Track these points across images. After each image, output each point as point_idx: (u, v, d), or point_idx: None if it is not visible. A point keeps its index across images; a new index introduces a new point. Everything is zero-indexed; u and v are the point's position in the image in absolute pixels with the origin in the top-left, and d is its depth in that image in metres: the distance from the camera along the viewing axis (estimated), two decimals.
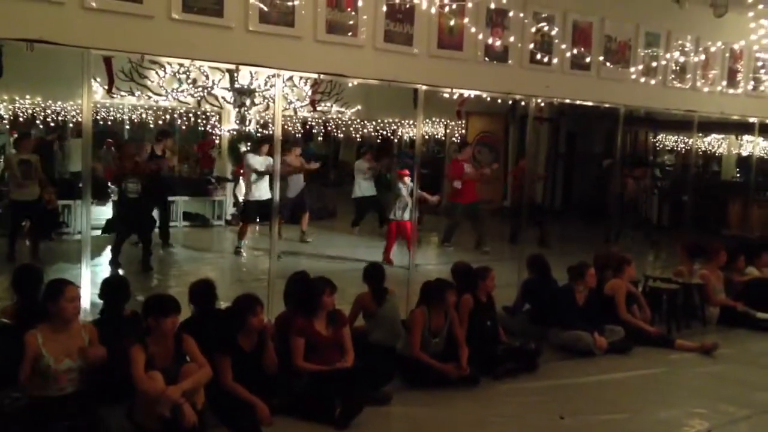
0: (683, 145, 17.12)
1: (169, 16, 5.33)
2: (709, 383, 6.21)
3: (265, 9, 5.73)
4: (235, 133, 12.80)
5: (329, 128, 16.82)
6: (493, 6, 7.08)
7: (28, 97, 12.20)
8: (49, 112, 13.01)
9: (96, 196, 10.03)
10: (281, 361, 5.08)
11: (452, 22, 6.79)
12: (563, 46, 7.66)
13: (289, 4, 5.83)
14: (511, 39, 7.24)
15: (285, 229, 11.54)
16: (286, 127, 14.01)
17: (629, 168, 13.44)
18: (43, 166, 9.45)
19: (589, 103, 8.62)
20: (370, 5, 6.28)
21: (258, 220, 10.68)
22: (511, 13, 7.19)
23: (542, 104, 8.92)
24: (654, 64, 8.47)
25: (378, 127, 16.57)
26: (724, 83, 9.32)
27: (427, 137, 17.25)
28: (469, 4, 6.87)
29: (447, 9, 6.73)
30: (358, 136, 17.50)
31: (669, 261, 9.81)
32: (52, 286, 4.50)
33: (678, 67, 8.78)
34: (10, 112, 12.70)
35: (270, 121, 12.64)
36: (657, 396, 5.78)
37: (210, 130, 13.92)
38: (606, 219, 12.24)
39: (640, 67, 8.37)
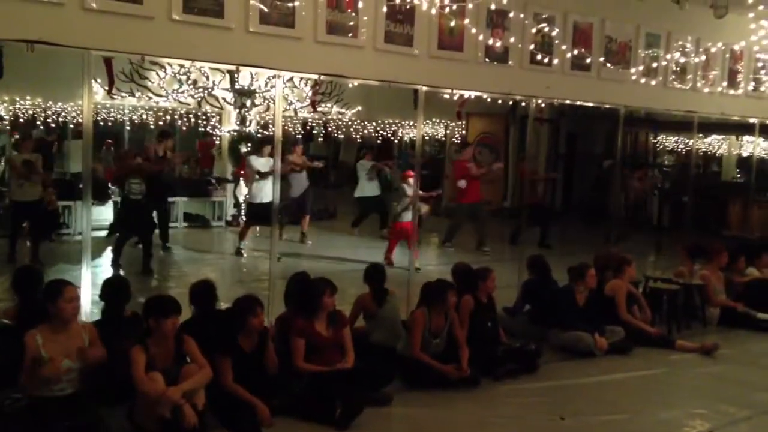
0: (684, 146, 17.13)
1: (169, 17, 5.33)
2: (709, 384, 6.21)
3: (266, 10, 5.73)
4: (235, 134, 12.80)
5: (329, 129, 16.84)
6: (493, 7, 7.08)
7: (28, 98, 12.21)
8: (49, 113, 13.03)
9: (96, 196, 10.03)
10: (281, 361, 5.09)
11: (452, 23, 6.80)
12: (563, 47, 7.66)
13: (290, 5, 5.84)
14: (512, 40, 7.24)
15: (285, 230, 11.56)
16: (286, 128, 14.02)
17: (629, 169, 13.43)
18: (43, 166, 9.45)
19: (590, 104, 8.63)
20: (371, 6, 6.28)
21: (261, 222, 10.68)
22: (511, 14, 7.19)
23: (543, 105, 8.93)
24: (654, 64, 8.48)
25: (378, 128, 16.58)
26: (725, 84, 9.33)
27: (427, 138, 17.25)
28: (470, 5, 6.87)
29: (447, 10, 6.73)
30: (358, 137, 17.50)
31: (669, 262, 9.79)
32: (51, 286, 4.51)
33: (678, 68, 8.78)
34: (11, 113, 12.71)
35: (270, 122, 12.64)
36: (657, 397, 5.78)
37: (210, 131, 13.94)
38: (606, 220, 12.23)
39: (641, 67, 8.37)
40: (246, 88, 12.37)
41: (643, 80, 8.44)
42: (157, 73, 11.77)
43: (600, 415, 5.31)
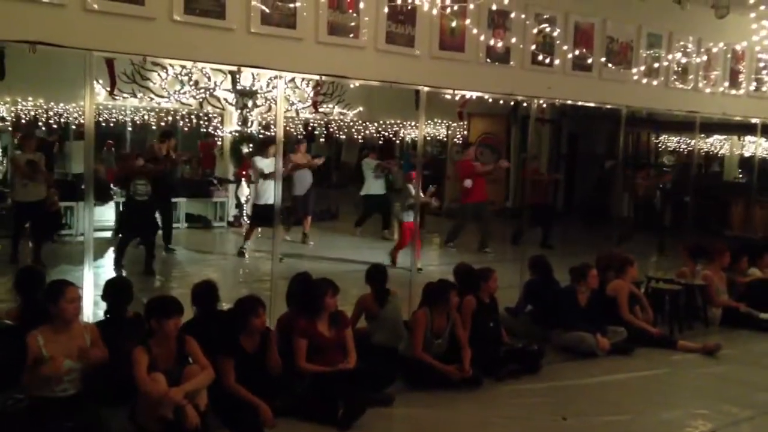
0: (685, 146, 17.11)
1: (170, 17, 5.34)
2: (711, 384, 6.20)
3: (267, 11, 5.74)
4: (237, 134, 12.81)
5: (331, 130, 16.85)
6: (494, 7, 7.08)
7: (30, 99, 12.22)
8: (51, 114, 13.04)
9: (98, 197, 10.02)
10: (284, 362, 5.09)
11: (454, 24, 6.80)
12: (565, 48, 7.66)
13: (291, 5, 5.84)
14: (513, 40, 7.25)
15: (290, 231, 11.57)
16: (288, 128, 14.02)
17: (632, 169, 13.41)
18: (45, 166, 9.43)
19: (591, 104, 8.63)
20: (372, 7, 6.28)
21: (267, 223, 10.68)
22: (512, 15, 7.19)
23: (544, 105, 8.93)
24: (656, 65, 8.48)
25: (380, 129, 16.58)
26: (726, 84, 9.33)
27: (429, 139, 17.26)
28: (471, 6, 6.87)
29: (448, 10, 6.73)
30: (360, 137, 17.51)
31: (672, 262, 9.79)
32: (53, 287, 4.51)
33: (680, 68, 8.79)
34: (12, 114, 12.72)
35: (272, 122, 12.65)
36: (660, 397, 5.77)
37: (212, 132, 13.95)
38: (608, 220, 12.23)
39: (642, 68, 8.38)
40: (247, 88, 12.38)
41: (644, 80, 8.45)
42: (158, 74, 11.78)
43: (602, 416, 5.30)
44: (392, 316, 6.13)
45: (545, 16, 7.50)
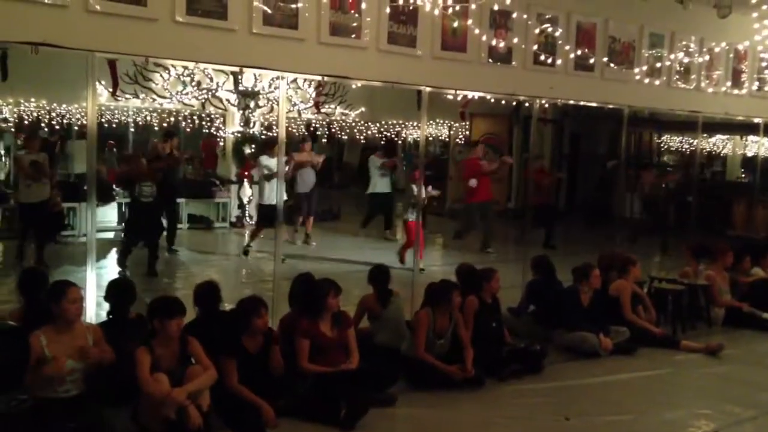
0: (688, 146, 17.09)
1: (173, 18, 5.34)
2: (714, 384, 6.20)
3: (269, 11, 5.74)
4: (239, 135, 12.82)
5: (333, 130, 16.85)
6: (496, 7, 7.08)
7: (33, 100, 12.25)
8: (53, 115, 13.06)
9: (100, 198, 10.01)
10: (286, 362, 5.09)
11: (456, 24, 6.80)
12: (567, 48, 7.65)
13: (293, 6, 5.85)
14: (515, 40, 7.24)
15: (290, 231, 11.56)
16: (290, 129, 14.03)
17: (634, 170, 13.39)
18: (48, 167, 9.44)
19: (593, 104, 8.60)
20: (374, 7, 6.29)
21: (273, 224, 10.67)
22: (514, 15, 7.19)
23: (546, 105, 8.91)
24: (658, 64, 8.47)
25: (382, 129, 16.58)
26: (729, 84, 9.31)
27: (431, 139, 17.25)
28: (473, 6, 6.87)
29: (450, 11, 6.73)
30: (362, 137, 17.52)
31: (674, 262, 9.78)
32: (55, 287, 4.52)
33: (682, 68, 8.78)
34: (15, 115, 12.74)
35: (274, 123, 12.66)
36: (662, 397, 5.77)
37: (214, 132, 13.96)
38: (611, 220, 12.20)
39: (644, 67, 8.36)
40: (250, 89, 12.39)
41: (646, 80, 8.43)
42: (161, 75, 11.79)
43: (605, 416, 5.30)
44: (395, 316, 6.13)
45: (547, 16, 7.49)
